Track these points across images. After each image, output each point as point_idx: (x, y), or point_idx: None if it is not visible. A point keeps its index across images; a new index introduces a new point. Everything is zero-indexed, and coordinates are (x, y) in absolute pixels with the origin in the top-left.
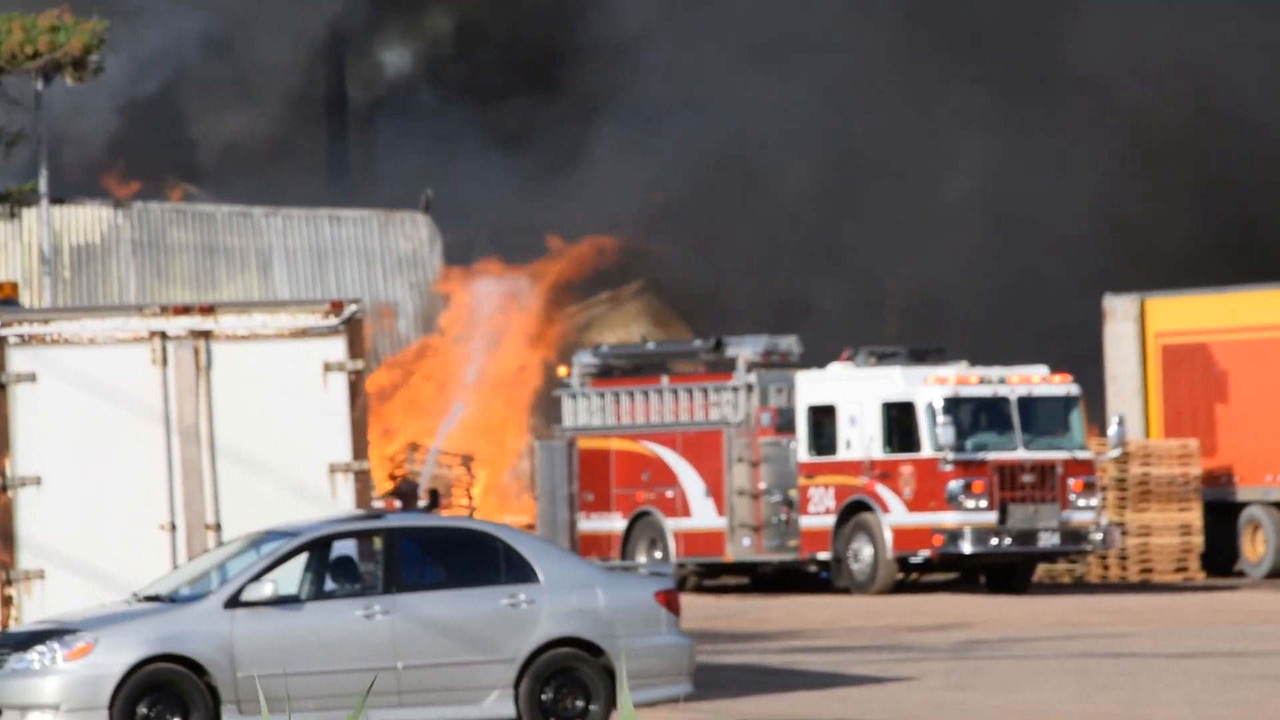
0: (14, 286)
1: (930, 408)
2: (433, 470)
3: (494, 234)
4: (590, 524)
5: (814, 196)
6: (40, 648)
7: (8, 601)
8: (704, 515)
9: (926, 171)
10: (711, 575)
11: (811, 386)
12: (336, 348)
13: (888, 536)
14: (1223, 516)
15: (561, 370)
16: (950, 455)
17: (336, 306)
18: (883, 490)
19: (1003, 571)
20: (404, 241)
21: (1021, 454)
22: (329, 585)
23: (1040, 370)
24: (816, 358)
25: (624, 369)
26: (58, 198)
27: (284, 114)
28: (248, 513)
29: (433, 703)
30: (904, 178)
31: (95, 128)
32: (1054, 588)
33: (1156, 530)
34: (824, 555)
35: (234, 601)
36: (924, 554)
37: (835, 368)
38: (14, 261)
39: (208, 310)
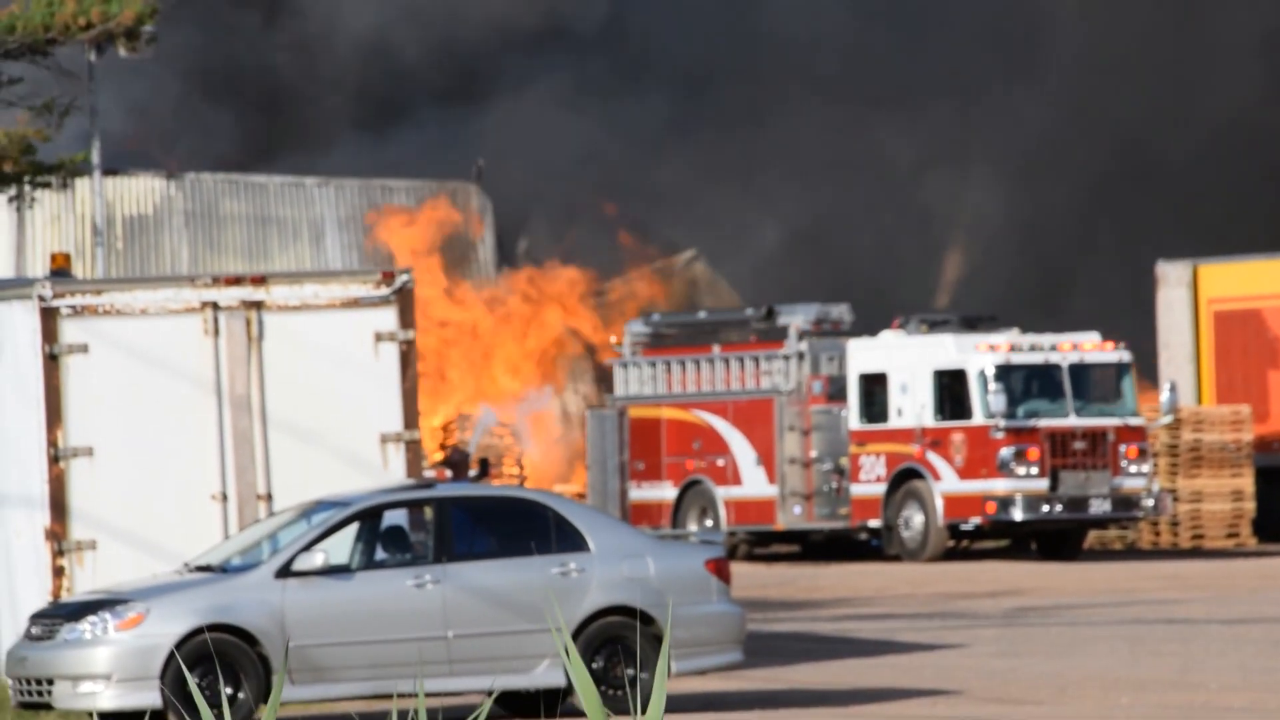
0: (66, 257)
1: (982, 375)
2: (482, 439)
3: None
4: (641, 493)
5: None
6: (92, 618)
7: (60, 572)
8: (755, 483)
9: (980, 142)
10: (762, 543)
11: (863, 354)
12: (388, 318)
13: (939, 504)
14: (1275, 482)
15: (612, 339)
16: (1001, 422)
17: (388, 277)
18: (934, 458)
19: (1054, 538)
20: (456, 211)
21: (1073, 421)
22: (380, 555)
23: (1092, 337)
24: (868, 325)
25: (675, 338)
26: (110, 169)
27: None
28: (299, 483)
29: (483, 672)
30: (955, 148)
31: (149, 98)
32: (1105, 554)
33: (1208, 496)
34: (875, 523)
35: (285, 571)
36: (975, 521)
37: (886, 335)
38: (67, 233)
39: (259, 281)
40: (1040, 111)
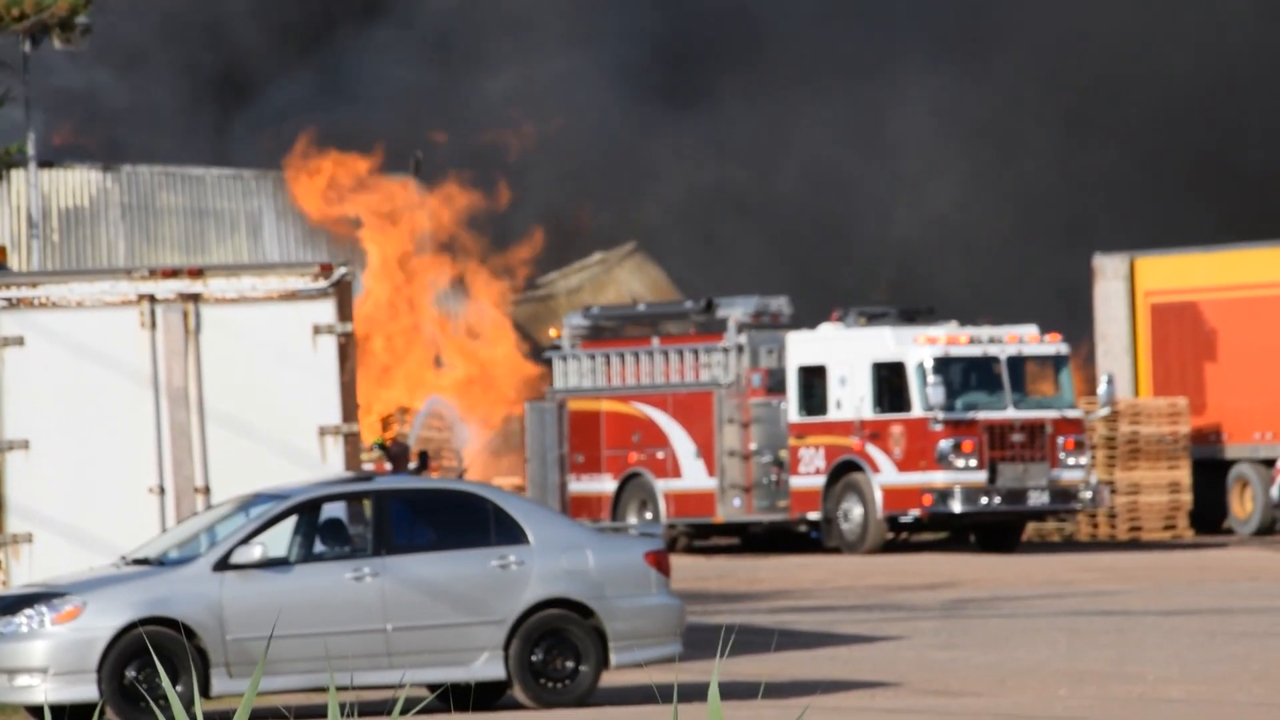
0: (2, 250)
1: (920, 367)
2: (421, 432)
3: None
4: (581, 485)
5: (802, 161)
6: (28, 611)
7: None
8: (694, 476)
9: (915, 133)
10: (702, 536)
11: (802, 347)
12: (326, 310)
13: (878, 496)
14: (1211, 474)
15: (552, 332)
16: (940, 415)
17: (326, 269)
18: (873, 450)
19: (992, 530)
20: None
21: (1011, 413)
22: (318, 548)
23: (1030, 330)
24: (807, 318)
25: (614, 330)
26: (45, 161)
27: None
28: (237, 476)
29: (423, 664)
30: (892, 140)
31: (83, 88)
32: (1043, 546)
33: (1145, 488)
34: (814, 515)
35: (223, 564)
36: (914, 513)
37: (826, 328)
38: (2, 225)
39: (196, 273)
40: (978, 99)
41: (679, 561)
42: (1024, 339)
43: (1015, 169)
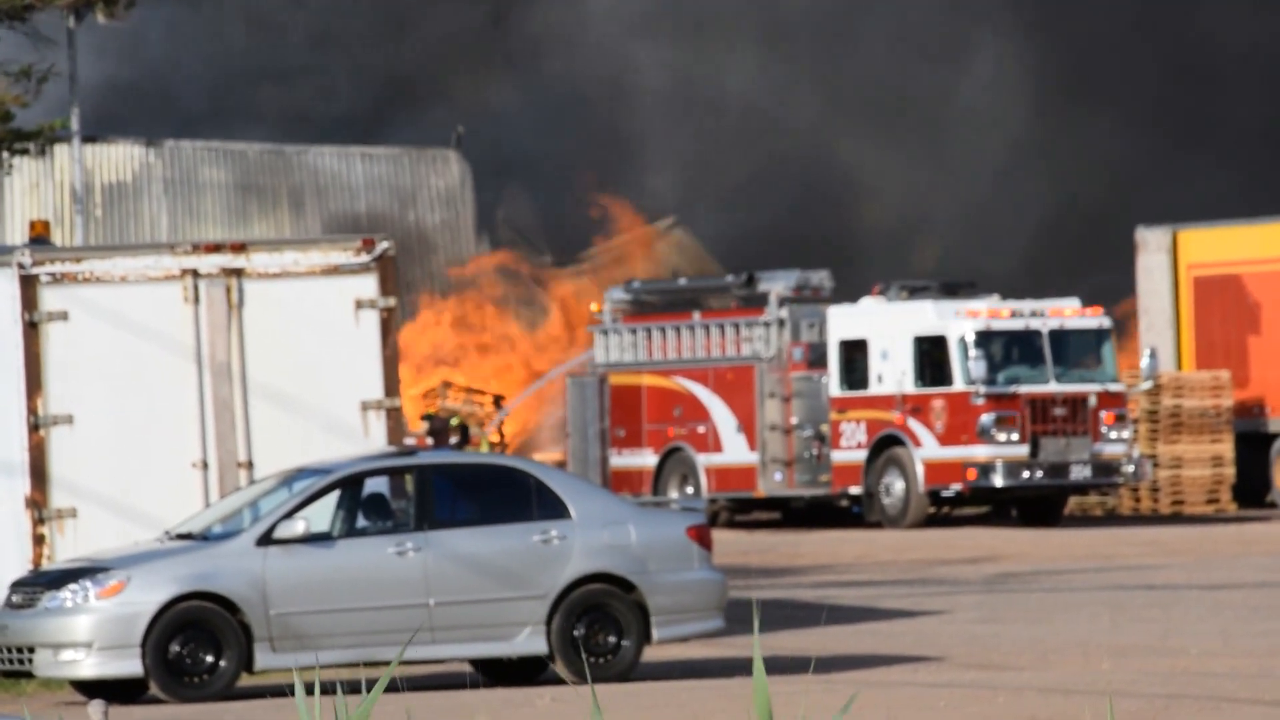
0: (45, 225)
1: (962, 341)
2: (463, 408)
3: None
4: (622, 460)
5: (843, 131)
6: (73, 586)
7: (40, 540)
8: (735, 450)
9: (959, 104)
10: (743, 510)
11: (843, 321)
12: (368, 285)
13: (919, 470)
14: (1254, 448)
15: (593, 306)
16: (982, 389)
17: (368, 243)
18: (914, 424)
19: (1034, 504)
20: (436, 178)
21: (1053, 387)
22: (361, 522)
23: (1072, 303)
24: (848, 292)
25: (656, 304)
26: (89, 136)
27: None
28: (280, 450)
29: (465, 639)
30: (932, 112)
31: (128, 65)
32: (1085, 520)
33: (1188, 462)
34: (855, 490)
35: (266, 539)
36: (955, 488)
37: (867, 302)
38: (46, 200)
39: (239, 248)
40: (1023, 80)
41: (720, 536)
42: (1066, 312)
43: (1057, 142)
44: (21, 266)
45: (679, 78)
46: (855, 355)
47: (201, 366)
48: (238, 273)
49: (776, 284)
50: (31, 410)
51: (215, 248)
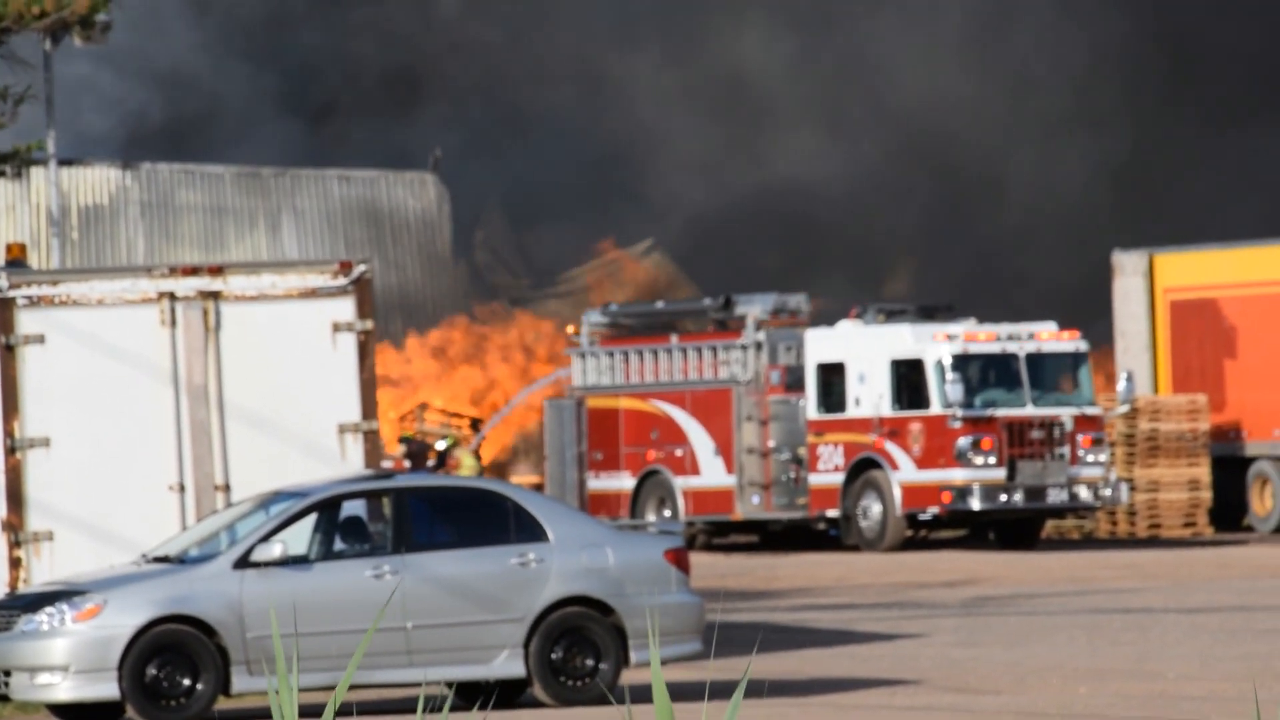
0: (22, 248)
1: (939, 364)
2: (439, 430)
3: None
4: (599, 483)
5: (817, 156)
6: (49, 609)
7: (17, 563)
8: (713, 473)
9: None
10: (720, 533)
11: (820, 344)
12: (345, 308)
13: (897, 493)
14: (1231, 471)
15: (570, 329)
16: (959, 412)
17: (345, 266)
18: (892, 447)
19: (1011, 528)
20: (413, 201)
21: (1030, 410)
22: (338, 545)
23: (1049, 326)
24: (826, 315)
25: (633, 328)
26: (66, 159)
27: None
28: (257, 473)
29: (442, 662)
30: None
31: (103, 88)
32: (1063, 544)
33: (1165, 486)
34: (833, 513)
35: (243, 562)
36: (933, 511)
37: (844, 325)
38: (22, 223)
39: (216, 271)
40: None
41: (698, 559)
42: (1042, 335)
43: (1034, 165)
44: None
45: (660, 98)
46: (832, 378)
47: (178, 389)
48: (215, 295)
49: (754, 307)
50: (8, 433)
51: (192, 270)
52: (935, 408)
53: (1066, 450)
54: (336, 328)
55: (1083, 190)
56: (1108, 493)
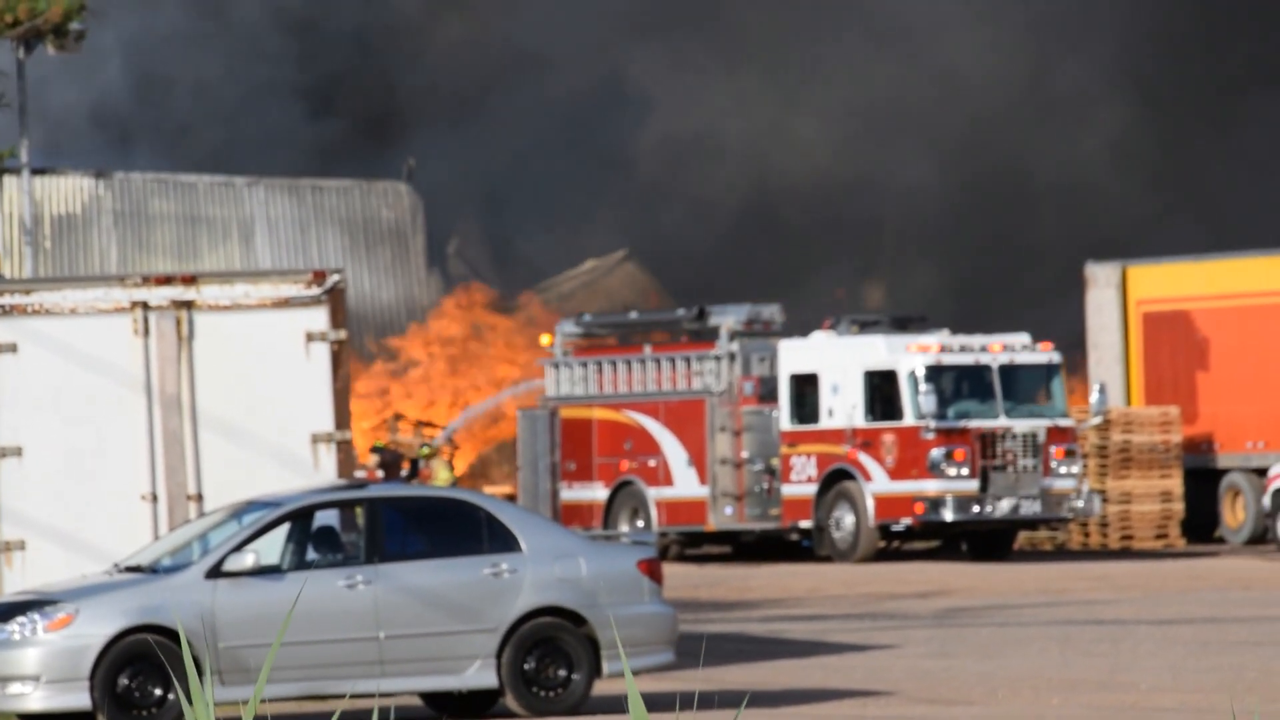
0: None
1: (912, 376)
2: (411, 439)
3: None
4: (572, 493)
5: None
6: (21, 619)
7: None
8: (686, 484)
9: (902, 146)
10: (694, 544)
11: (794, 355)
12: (319, 317)
13: (869, 504)
14: (1203, 483)
15: (544, 339)
16: (932, 423)
17: (319, 276)
18: (865, 458)
19: (984, 539)
20: (386, 211)
21: (1003, 422)
22: (311, 555)
23: (1022, 338)
24: (799, 326)
25: (607, 338)
26: (39, 167)
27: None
28: (230, 483)
29: (415, 673)
30: (882, 151)
31: (78, 95)
32: (1035, 555)
33: (1137, 497)
34: (806, 524)
35: (216, 572)
36: (906, 522)
37: (818, 336)
38: None
39: (190, 280)
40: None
41: (671, 570)
42: (1015, 347)
43: (1006, 177)
44: None
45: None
46: (806, 389)
47: (151, 399)
48: (188, 305)
49: (727, 318)
50: None
51: (165, 280)
52: (908, 419)
53: (1039, 462)
54: (310, 337)
55: (1059, 201)
56: (1080, 504)
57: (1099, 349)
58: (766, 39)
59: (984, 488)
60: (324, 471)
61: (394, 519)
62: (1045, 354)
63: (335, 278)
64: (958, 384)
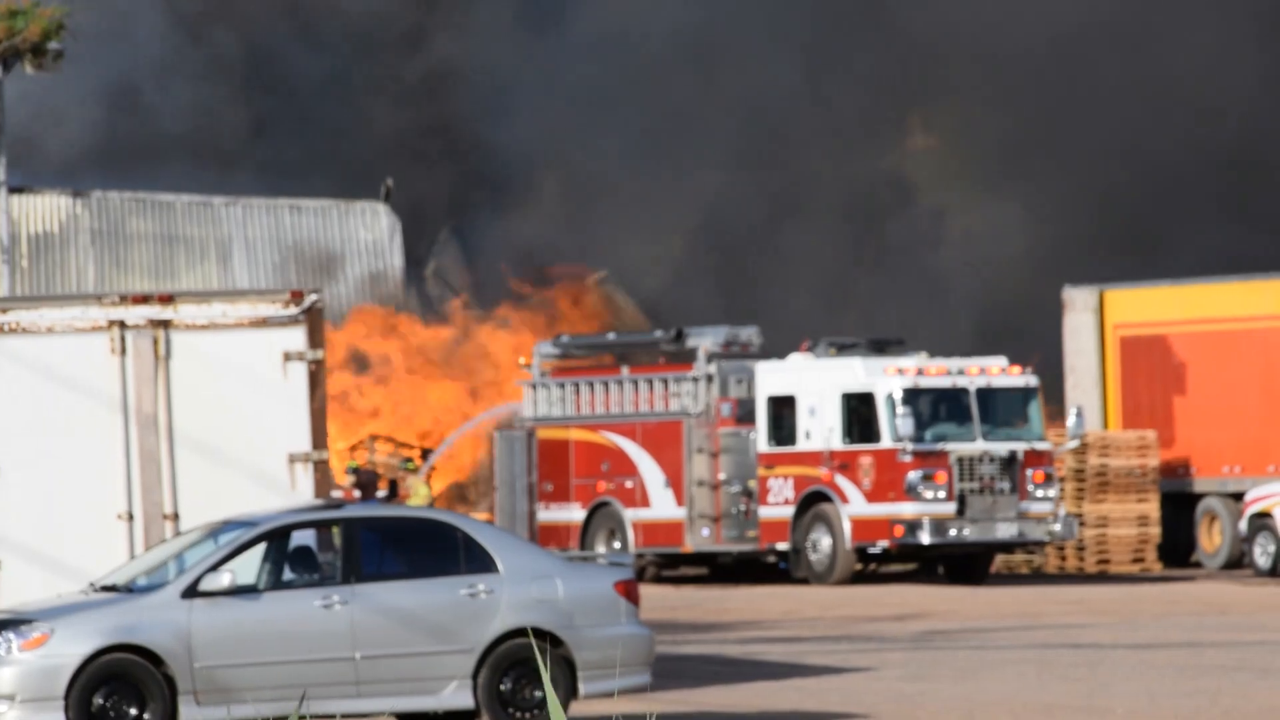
0: None
1: (890, 398)
2: (390, 460)
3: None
4: (549, 514)
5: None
6: None
7: None
8: (663, 506)
9: (882, 164)
10: (671, 565)
11: (771, 377)
12: (296, 337)
13: (846, 527)
14: (1180, 508)
15: (521, 360)
16: (909, 446)
17: (296, 296)
18: (842, 481)
19: (961, 562)
20: (364, 231)
21: (980, 445)
22: (287, 575)
23: (999, 361)
24: (777, 348)
25: (584, 359)
26: (16, 186)
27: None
28: (206, 502)
29: (391, 693)
30: (864, 170)
31: (56, 114)
32: (1012, 578)
33: (1114, 521)
34: (783, 546)
35: (192, 591)
36: (883, 544)
37: (795, 358)
38: None
39: (167, 299)
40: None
41: (647, 591)
42: (993, 370)
43: (989, 199)
44: None
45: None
46: (783, 411)
47: (128, 418)
48: (165, 324)
49: (705, 339)
50: None
51: (143, 299)
52: (885, 441)
53: (1016, 485)
54: (287, 357)
55: (1037, 224)
56: (1057, 528)
57: (1076, 372)
58: None
59: (961, 511)
60: (301, 491)
61: (370, 539)
62: (1023, 377)
63: (313, 297)
64: (935, 407)
